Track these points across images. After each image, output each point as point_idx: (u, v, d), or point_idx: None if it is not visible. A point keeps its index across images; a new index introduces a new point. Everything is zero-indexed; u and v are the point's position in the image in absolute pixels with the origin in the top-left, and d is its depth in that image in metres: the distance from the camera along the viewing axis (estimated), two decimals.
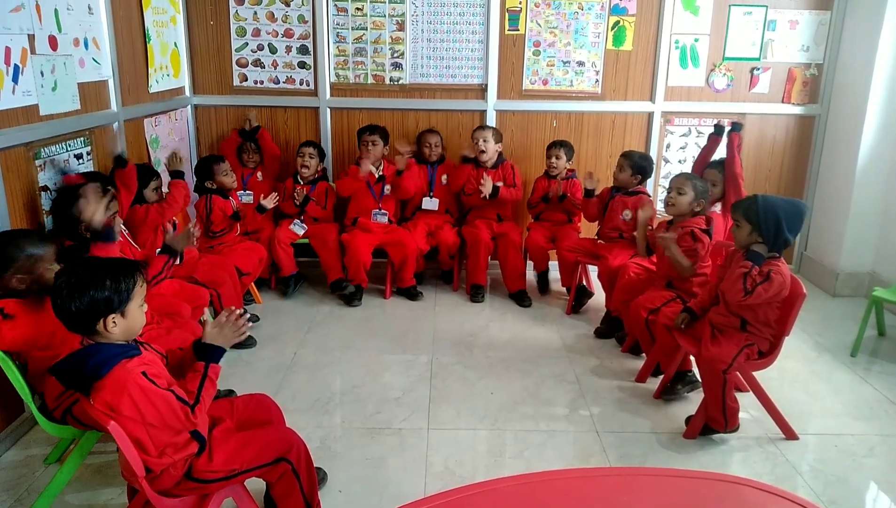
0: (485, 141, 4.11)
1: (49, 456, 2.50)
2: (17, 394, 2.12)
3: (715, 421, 2.68)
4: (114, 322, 1.69)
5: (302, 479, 1.97)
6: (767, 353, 2.68)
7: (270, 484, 2.01)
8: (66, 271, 1.71)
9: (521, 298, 4.10)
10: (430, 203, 4.30)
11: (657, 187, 4.55)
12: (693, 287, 3.07)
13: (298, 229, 4.09)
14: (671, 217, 3.22)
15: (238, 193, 4.15)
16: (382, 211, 4.15)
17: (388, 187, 4.16)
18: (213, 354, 1.87)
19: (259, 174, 4.26)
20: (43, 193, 2.80)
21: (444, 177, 4.32)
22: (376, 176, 4.11)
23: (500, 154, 4.20)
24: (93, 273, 1.69)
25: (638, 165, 3.74)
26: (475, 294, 4.11)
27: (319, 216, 4.16)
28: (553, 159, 4.09)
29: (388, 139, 4.18)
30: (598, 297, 3.96)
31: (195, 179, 3.86)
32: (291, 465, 1.94)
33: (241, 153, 4.22)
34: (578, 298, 3.99)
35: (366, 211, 4.14)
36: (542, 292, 4.29)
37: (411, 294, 4.11)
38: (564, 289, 4.11)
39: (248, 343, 3.46)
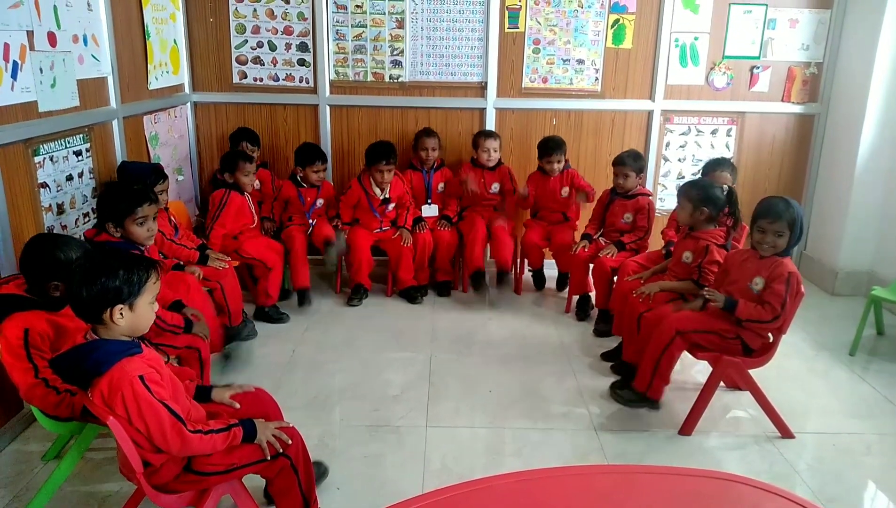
0: (494, 151, 4.12)
1: (47, 453, 2.51)
2: (16, 390, 2.12)
3: (641, 378, 2.80)
4: (121, 314, 1.69)
5: (300, 475, 1.97)
6: (761, 352, 2.69)
7: (269, 480, 2.01)
8: (83, 257, 1.73)
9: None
10: (429, 210, 4.26)
11: (657, 186, 4.55)
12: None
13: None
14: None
15: None
16: (383, 229, 4.10)
17: (391, 207, 4.09)
18: (248, 427, 1.88)
19: (256, 182, 4.09)
20: (42, 189, 2.80)
21: (441, 185, 4.29)
22: (381, 199, 4.05)
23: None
24: (108, 262, 1.71)
25: (637, 166, 3.76)
26: (476, 281, 4.00)
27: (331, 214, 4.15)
28: (555, 164, 4.06)
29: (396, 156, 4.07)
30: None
31: (218, 169, 3.83)
32: (290, 460, 1.94)
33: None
34: (583, 305, 3.92)
35: (366, 225, 4.09)
36: (537, 288, 4.29)
37: (411, 296, 4.04)
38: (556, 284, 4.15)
39: (248, 335, 3.47)
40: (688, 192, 3.03)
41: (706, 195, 2.97)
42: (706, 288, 2.82)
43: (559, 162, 4.05)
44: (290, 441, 1.93)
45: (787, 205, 2.59)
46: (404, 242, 3.97)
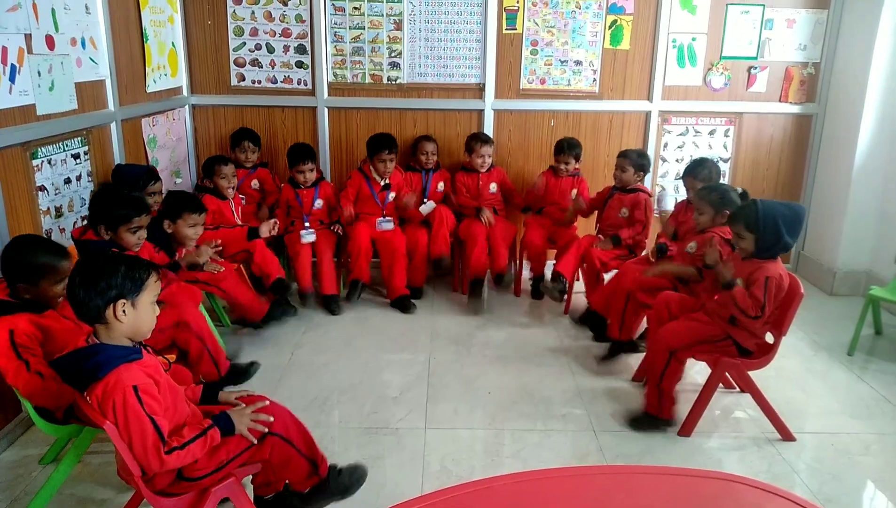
0: (489, 156, 4.16)
1: (45, 456, 2.50)
2: (14, 395, 2.12)
3: (650, 404, 2.80)
4: (123, 310, 1.70)
5: (295, 441, 1.95)
6: (760, 353, 2.69)
7: (268, 462, 1.96)
8: (83, 259, 1.75)
9: (474, 286, 3.99)
10: (426, 207, 4.24)
11: (654, 187, 4.55)
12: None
13: (310, 236, 3.92)
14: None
15: None
16: (388, 218, 4.08)
17: (391, 195, 4.11)
18: (224, 422, 1.85)
19: (255, 181, 4.13)
20: (40, 192, 2.80)
21: (440, 184, 4.28)
22: (381, 184, 4.07)
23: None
24: (109, 261, 1.73)
25: (638, 163, 3.78)
26: (474, 289, 3.97)
27: (326, 219, 4.12)
28: (562, 166, 4.07)
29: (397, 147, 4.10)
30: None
31: (202, 175, 3.86)
32: (279, 436, 1.92)
33: (238, 151, 4.09)
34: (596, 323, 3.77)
35: (367, 215, 4.08)
36: (534, 297, 4.19)
37: (403, 306, 3.94)
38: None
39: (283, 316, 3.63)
40: (708, 196, 3.02)
41: (726, 199, 2.96)
42: (722, 262, 2.76)
43: (566, 164, 4.06)
44: (271, 419, 1.90)
45: (748, 208, 2.59)
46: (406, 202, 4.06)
